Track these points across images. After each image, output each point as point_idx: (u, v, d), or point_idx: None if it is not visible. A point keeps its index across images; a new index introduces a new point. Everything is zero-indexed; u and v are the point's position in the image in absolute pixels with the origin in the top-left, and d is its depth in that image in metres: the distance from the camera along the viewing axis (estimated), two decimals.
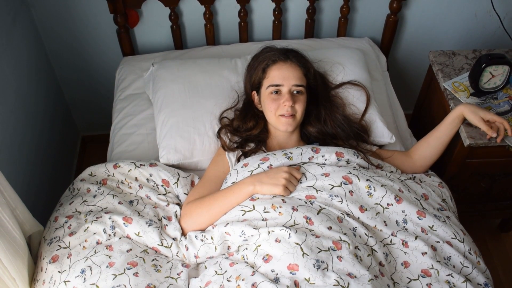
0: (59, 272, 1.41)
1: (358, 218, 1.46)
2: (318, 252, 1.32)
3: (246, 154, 1.68)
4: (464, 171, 1.92)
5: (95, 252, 1.44)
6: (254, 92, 1.73)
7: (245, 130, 1.71)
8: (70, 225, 1.53)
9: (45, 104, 2.20)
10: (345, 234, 1.38)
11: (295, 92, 1.64)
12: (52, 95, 2.31)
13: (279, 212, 1.42)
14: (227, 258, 1.43)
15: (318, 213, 1.42)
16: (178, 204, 1.63)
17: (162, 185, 1.66)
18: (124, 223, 1.51)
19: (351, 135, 1.74)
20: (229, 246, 1.46)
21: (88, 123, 2.62)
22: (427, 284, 1.36)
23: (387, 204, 1.48)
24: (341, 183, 1.49)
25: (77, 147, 2.63)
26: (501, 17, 2.26)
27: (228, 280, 1.33)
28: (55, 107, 2.33)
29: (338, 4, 2.16)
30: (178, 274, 1.44)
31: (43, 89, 2.19)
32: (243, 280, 1.31)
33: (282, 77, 1.63)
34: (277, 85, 1.63)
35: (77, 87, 2.42)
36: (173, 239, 1.52)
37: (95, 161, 1.77)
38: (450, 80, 1.95)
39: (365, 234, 1.42)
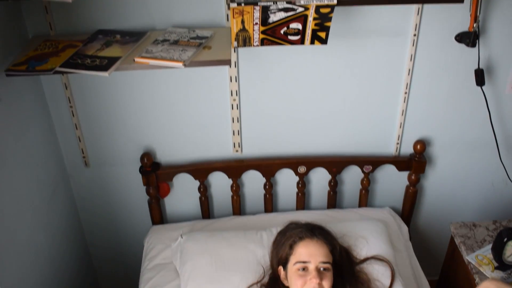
0: None
1: None
2: None
3: None
4: None
5: None
6: (281, 267, 1.76)
7: None
8: None
9: (74, 269, 2.25)
10: None
11: (322, 269, 1.67)
12: (81, 260, 2.36)
13: None
14: None
15: None
16: None
17: None
18: None
19: None
20: None
21: None
22: None
23: None
24: None
25: None
26: None
27: None
28: (83, 272, 2.37)
29: (359, 177, 2.27)
30: None
31: (73, 254, 2.25)
32: None
33: (309, 254, 1.67)
34: (304, 262, 1.66)
35: (106, 253, 2.48)
36: None
37: None
38: (473, 253, 1.97)
39: None
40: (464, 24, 1.93)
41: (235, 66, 1.96)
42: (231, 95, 2.03)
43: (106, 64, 1.64)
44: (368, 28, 1.93)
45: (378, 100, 2.12)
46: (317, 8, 1.57)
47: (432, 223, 2.51)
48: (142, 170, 2.15)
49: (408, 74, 2.04)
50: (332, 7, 1.57)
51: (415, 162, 2.21)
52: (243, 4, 1.54)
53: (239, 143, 2.17)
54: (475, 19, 1.87)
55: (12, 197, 1.71)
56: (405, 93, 2.09)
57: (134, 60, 1.66)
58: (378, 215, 2.27)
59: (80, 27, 1.87)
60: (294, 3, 1.54)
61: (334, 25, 1.64)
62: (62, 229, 2.14)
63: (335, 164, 2.21)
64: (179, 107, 2.07)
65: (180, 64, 1.62)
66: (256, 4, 1.53)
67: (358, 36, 1.95)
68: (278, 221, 2.05)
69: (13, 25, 1.77)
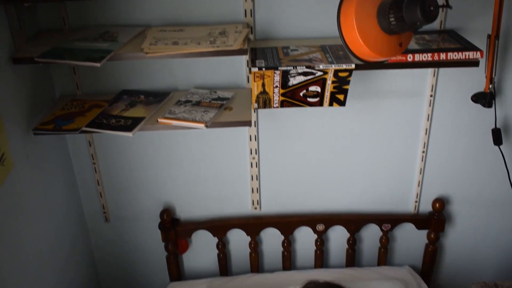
0: None
1: None
2: None
3: None
4: None
5: None
6: None
7: None
8: None
9: None
10: None
11: None
12: None
13: None
14: None
15: None
16: None
17: None
18: None
19: None
20: None
21: None
22: None
23: None
24: None
25: None
26: None
27: None
28: None
29: (378, 235, 2.26)
30: None
31: None
32: None
33: None
34: None
35: None
36: None
37: None
38: None
39: None
40: (480, 84, 1.97)
41: (255, 126, 2.01)
42: (251, 153, 2.07)
43: (130, 124, 1.69)
44: (385, 89, 1.97)
45: (396, 158, 2.13)
46: (336, 72, 1.61)
47: (453, 282, 2.47)
48: (161, 226, 2.17)
49: (426, 133, 2.06)
50: (350, 71, 1.61)
51: (434, 220, 2.20)
52: (264, 69, 1.59)
53: (257, 201, 2.18)
54: (491, 80, 1.90)
55: (33, 251, 1.73)
56: (423, 152, 2.10)
57: (157, 120, 1.71)
58: (397, 274, 2.24)
59: (105, 87, 1.94)
60: (313, 68, 1.59)
61: (352, 86, 1.68)
62: (80, 284, 2.15)
63: (354, 222, 2.21)
64: (199, 164, 2.11)
65: (202, 125, 1.66)
66: (276, 68, 1.58)
67: (376, 96, 1.99)
68: (296, 279, 2.04)
69: (42, 85, 1.85)
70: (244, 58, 1.88)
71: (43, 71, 1.85)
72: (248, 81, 1.93)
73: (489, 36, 1.82)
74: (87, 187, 2.15)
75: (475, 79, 1.96)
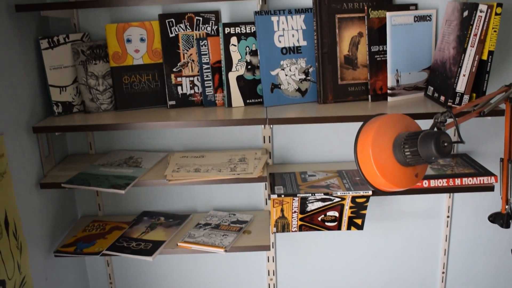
0: None
1: None
2: None
3: None
4: None
5: None
6: None
7: None
8: None
9: None
10: None
11: None
12: None
13: None
14: None
15: None
16: None
17: None
18: None
19: None
20: None
21: None
22: None
23: None
24: None
25: None
26: None
27: None
28: None
29: None
30: None
31: None
32: None
33: None
34: None
35: None
36: None
37: None
38: None
39: None
40: (496, 204, 1.97)
41: (273, 247, 2.02)
42: (268, 274, 2.06)
43: (150, 248, 1.71)
44: (402, 210, 1.99)
45: (415, 280, 2.10)
46: (353, 198, 1.65)
47: None
48: None
49: (444, 254, 2.05)
50: (367, 197, 1.65)
51: None
52: (283, 196, 1.63)
53: None
54: (507, 201, 1.92)
55: None
56: (443, 272, 2.08)
57: (177, 244, 1.73)
58: None
59: (127, 208, 1.99)
60: (331, 194, 1.63)
61: (369, 208, 1.71)
62: None
63: None
64: (216, 286, 2.09)
65: (221, 250, 1.68)
66: (295, 195, 1.63)
67: (393, 218, 2.01)
68: None
69: (65, 206, 1.89)
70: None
71: (67, 193, 1.91)
72: (266, 203, 1.96)
73: (501, 160, 1.86)
74: None
75: (491, 199, 1.98)
